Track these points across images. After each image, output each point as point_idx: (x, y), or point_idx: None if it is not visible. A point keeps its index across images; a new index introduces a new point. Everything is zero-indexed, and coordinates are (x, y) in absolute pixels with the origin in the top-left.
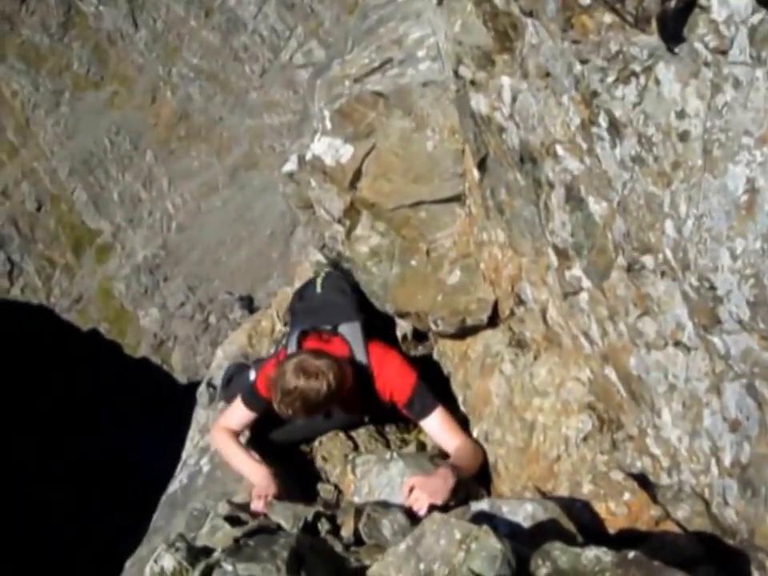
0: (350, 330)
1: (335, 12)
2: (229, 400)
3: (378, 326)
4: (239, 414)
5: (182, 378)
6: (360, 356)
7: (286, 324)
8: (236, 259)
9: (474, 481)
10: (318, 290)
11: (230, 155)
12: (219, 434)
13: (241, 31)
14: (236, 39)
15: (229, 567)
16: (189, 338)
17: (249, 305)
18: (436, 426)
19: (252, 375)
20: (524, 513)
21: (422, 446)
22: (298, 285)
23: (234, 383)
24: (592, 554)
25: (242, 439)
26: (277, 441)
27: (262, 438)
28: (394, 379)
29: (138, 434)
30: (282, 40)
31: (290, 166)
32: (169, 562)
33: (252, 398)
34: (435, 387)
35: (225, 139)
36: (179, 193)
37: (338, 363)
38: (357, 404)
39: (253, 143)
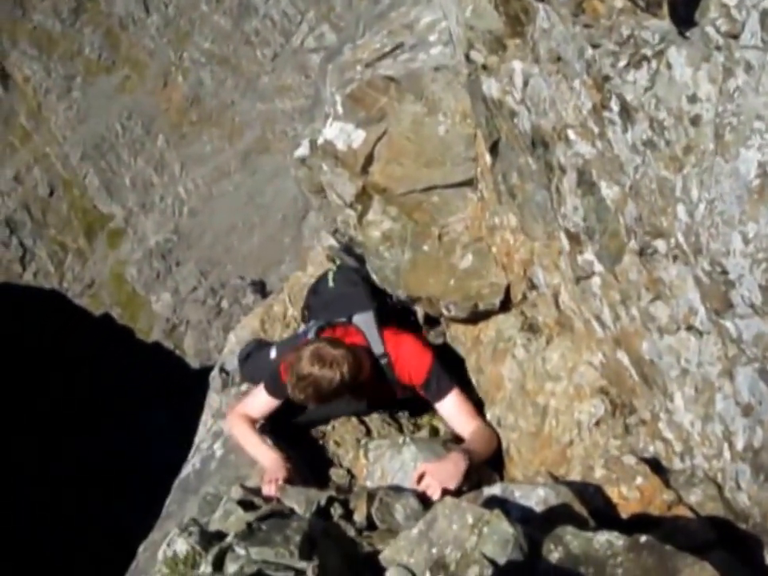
0: (364, 320)
1: None
2: (249, 380)
3: (393, 313)
4: (261, 401)
5: (194, 363)
6: (376, 344)
7: (303, 319)
8: (248, 244)
9: (486, 466)
10: (331, 284)
11: (242, 140)
12: (236, 419)
13: (252, 16)
14: (247, 24)
15: (242, 551)
16: (201, 323)
17: (261, 289)
18: (451, 409)
19: (273, 353)
20: (536, 497)
21: (434, 432)
22: (310, 270)
23: (253, 360)
24: (604, 538)
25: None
26: (293, 423)
27: (278, 419)
28: (410, 361)
29: (150, 418)
30: (293, 24)
31: (302, 150)
32: (182, 546)
33: (275, 385)
34: (451, 371)
35: (236, 124)
36: (191, 177)
37: (354, 354)
38: (375, 392)
39: (264, 128)
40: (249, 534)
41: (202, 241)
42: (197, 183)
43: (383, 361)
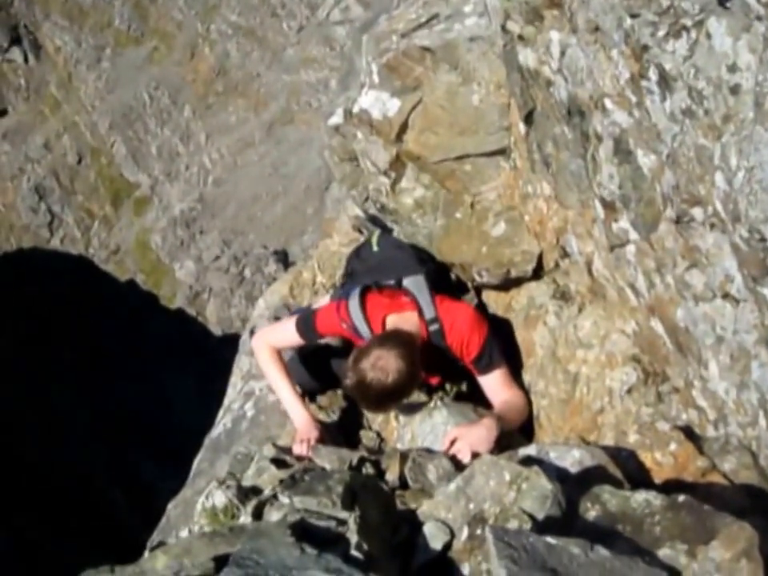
0: (415, 284)
1: None
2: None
3: (443, 280)
4: (288, 336)
5: (216, 330)
6: (428, 308)
7: (343, 284)
8: (271, 214)
9: (516, 432)
10: (375, 248)
11: (267, 111)
12: (264, 351)
13: None
14: None
15: (285, 500)
16: (224, 291)
17: (283, 259)
18: (494, 383)
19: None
20: (571, 459)
21: (463, 397)
22: (337, 239)
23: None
24: (642, 497)
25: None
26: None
27: (312, 373)
28: (465, 332)
29: (173, 381)
30: None
31: (336, 119)
32: (220, 498)
33: (306, 327)
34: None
35: (261, 95)
36: (216, 147)
37: (413, 359)
38: (429, 361)
39: (289, 99)
40: (292, 484)
41: (226, 210)
42: (221, 153)
43: (434, 326)
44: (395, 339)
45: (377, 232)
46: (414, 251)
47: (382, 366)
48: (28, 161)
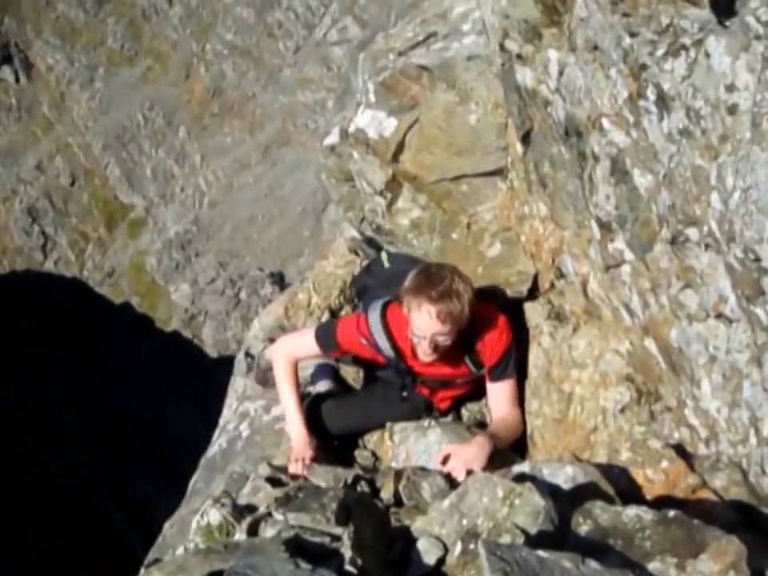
0: None
1: None
2: None
3: None
4: (306, 346)
5: (212, 352)
6: None
7: (353, 301)
8: (267, 236)
9: (509, 450)
10: (387, 264)
11: (263, 132)
12: (280, 361)
13: (275, 8)
14: (270, 16)
15: (280, 516)
16: (219, 313)
17: (279, 281)
18: (501, 392)
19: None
20: (564, 475)
21: (458, 417)
22: (332, 260)
23: None
24: (633, 512)
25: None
26: (341, 428)
27: (328, 420)
28: (495, 334)
29: (169, 404)
30: (316, 17)
31: (332, 138)
32: (215, 516)
33: (326, 337)
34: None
35: (258, 116)
36: (211, 169)
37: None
38: (449, 365)
39: (286, 120)
40: (286, 501)
41: (222, 232)
42: (217, 175)
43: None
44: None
45: (384, 250)
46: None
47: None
48: (20, 182)
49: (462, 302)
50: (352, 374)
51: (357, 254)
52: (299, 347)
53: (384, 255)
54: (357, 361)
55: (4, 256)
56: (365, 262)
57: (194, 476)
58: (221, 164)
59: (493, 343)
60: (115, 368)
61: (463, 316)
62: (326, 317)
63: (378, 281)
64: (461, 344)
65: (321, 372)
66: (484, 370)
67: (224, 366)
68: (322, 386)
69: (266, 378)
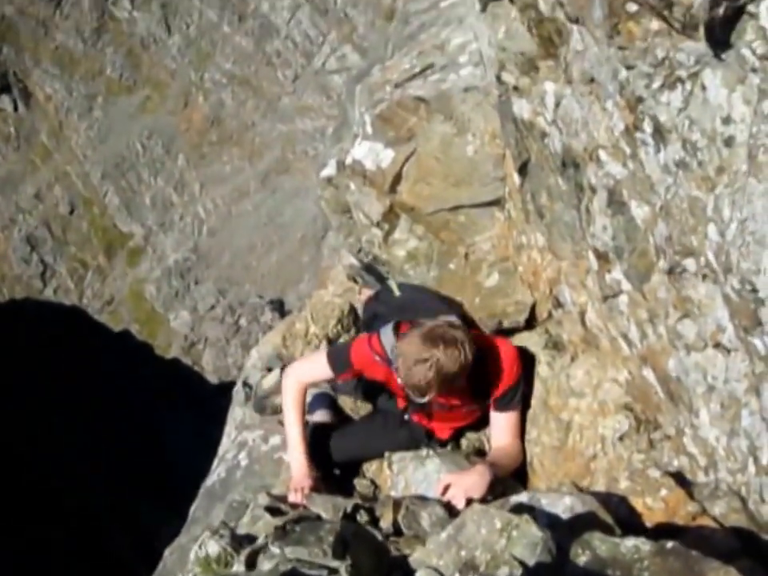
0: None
1: (369, 17)
2: None
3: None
4: (318, 369)
5: (212, 379)
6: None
7: (365, 324)
8: (267, 263)
9: (509, 477)
10: (397, 292)
11: (262, 160)
12: (291, 389)
13: (274, 37)
14: (269, 45)
15: (276, 550)
16: (219, 340)
17: (279, 308)
18: (504, 422)
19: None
20: (563, 505)
21: (456, 447)
22: (331, 288)
23: None
24: (631, 543)
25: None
26: (340, 456)
27: (327, 449)
28: (505, 365)
29: (169, 430)
30: (315, 45)
31: (329, 170)
32: (213, 547)
33: (338, 359)
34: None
35: (256, 144)
36: (210, 197)
37: (469, 334)
38: (461, 392)
39: (285, 148)
40: (283, 534)
41: (221, 260)
42: (216, 203)
43: (476, 355)
44: (449, 321)
45: (392, 280)
46: (438, 295)
47: (442, 333)
48: (19, 211)
49: (461, 349)
50: (349, 404)
51: (355, 281)
52: (311, 371)
53: (393, 284)
54: (360, 389)
55: (3, 284)
56: (364, 290)
57: (194, 504)
58: (220, 192)
59: (502, 375)
60: (115, 395)
61: (459, 377)
62: (323, 346)
63: (390, 308)
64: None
65: (318, 401)
66: (491, 396)
67: (224, 392)
68: (319, 415)
69: (263, 406)
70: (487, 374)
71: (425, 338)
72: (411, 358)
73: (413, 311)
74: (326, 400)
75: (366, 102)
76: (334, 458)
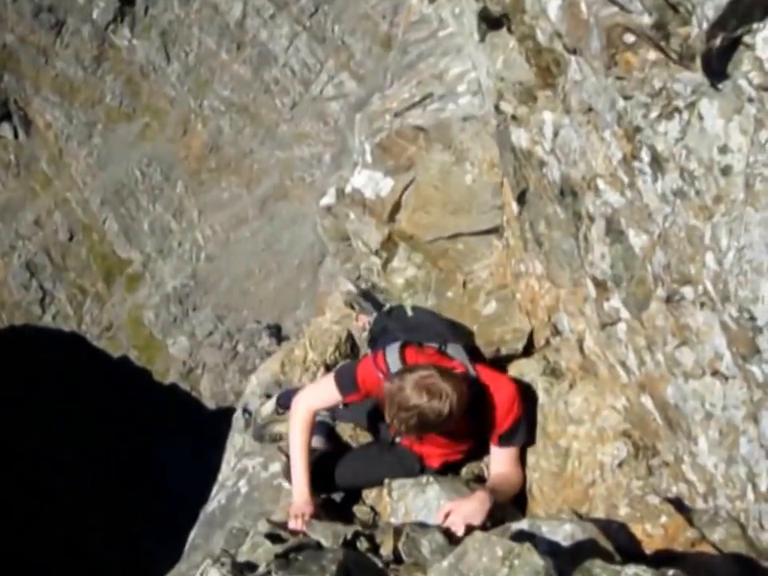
0: (457, 351)
1: (366, 45)
2: None
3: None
4: (326, 392)
5: (210, 404)
6: (472, 376)
7: (372, 338)
8: (264, 289)
9: (509, 504)
10: (410, 312)
11: (260, 187)
12: (299, 417)
13: (272, 64)
14: (267, 72)
15: None
16: (217, 366)
17: (277, 333)
18: (504, 456)
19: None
20: (563, 533)
21: (456, 473)
22: (328, 315)
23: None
24: (632, 570)
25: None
26: (339, 484)
27: (326, 476)
28: (505, 405)
29: (166, 455)
30: (312, 73)
31: (328, 199)
32: (215, 575)
33: (345, 380)
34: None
35: (255, 171)
36: (209, 224)
37: (461, 385)
38: (459, 429)
39: (283, 175)
40: (285, 563)
41: (219, 286)
42: (214, 229)
43: (475, 390)
44: (443, 368)
45: (408, 301)
46: (450, 322)
47: (428, 384)
48: (19, 237)
49: (445, 402)
50: (348, 432)
51: (353, 307)
52: (320, 396)
53: (406, 304)
54: (362, 416)
55: (2, 310)
56: (361, 316)
57: (193, 531)
58: (218, 219)
59: (502, 412)
60: (113, 421)
61: (449, 419)
62: (321, 373)
63: (401, 325)
64: (469, 418)
65: (316, 429)
66: (491, 433)
67: (222, 417)
68: (316, 441)
69: (262, 435)
70: (487, 412)
71: (413, 386)
72: (395, 404)
73: (422, 333)
74: (324, 428)
75: (366, 130)
76: (330, 485)
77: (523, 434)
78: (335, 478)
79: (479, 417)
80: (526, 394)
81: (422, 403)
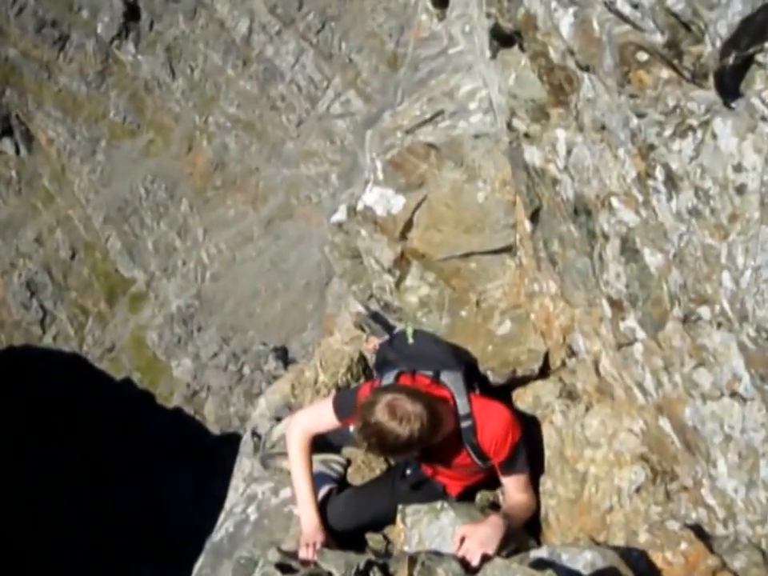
0: (452, 379)
1: (373, 62)
2: None
3: (478, 378)
4: (324, 417)
5: (214, 429)
6: (462, 405)
7: (376, 368)
8: (270, 310)
9: (523, 531)
10: (410, 340)
11: (266, 205)
12: (295, 439)
13: (278, 81)
14: (273, 89)
15: None
16: (222, 389)
17: (283, 356)
18: (513, 484)
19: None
20: (583, 561)
21: (471, 499)
22: (338, 336)
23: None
24: None
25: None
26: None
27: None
28: (498, 433)
29: (171, 481)
30: (319, 90)
31: (339, 216)
32: None
33: (343, 404)
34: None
35: (261, 189)
36: (214, 242)
37: (434, 412)
38: (445, 456)
39: (289, 193)
40: None
41: (225, 306)
42: (220, 248)
43: (466, 423)
44: (418, 392)
45: (408, 327)
46: (451, 348)
47: (395, 406)
48: (19, 255)
49: (405, 428)
50: (361, 456)
51: (362, 329)
52: (317, 419)
53: (409, 331)
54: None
55: (2, 331)
56: (371, 338)
57: (199, 561)
58: (223, 237)
59: (496, 440)
60: (115, 446)
61: (409, 446)
62: (332, 394)
63: (399, 356)
64: (458, 437)
65: (320, 480)
66: (492, 463)
67: (227, 443)
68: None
69: (267, 464)
70: (483, 441)
71: (383, 404)
72: (362, 417)
73: (420, 362)
74: (329, 480)
75: (377, 147)
76: (342, 526)
77: (524, 458)
78: (352, 518)
79: (477, 447)
80: (525, 419)
81: (384, 422)
